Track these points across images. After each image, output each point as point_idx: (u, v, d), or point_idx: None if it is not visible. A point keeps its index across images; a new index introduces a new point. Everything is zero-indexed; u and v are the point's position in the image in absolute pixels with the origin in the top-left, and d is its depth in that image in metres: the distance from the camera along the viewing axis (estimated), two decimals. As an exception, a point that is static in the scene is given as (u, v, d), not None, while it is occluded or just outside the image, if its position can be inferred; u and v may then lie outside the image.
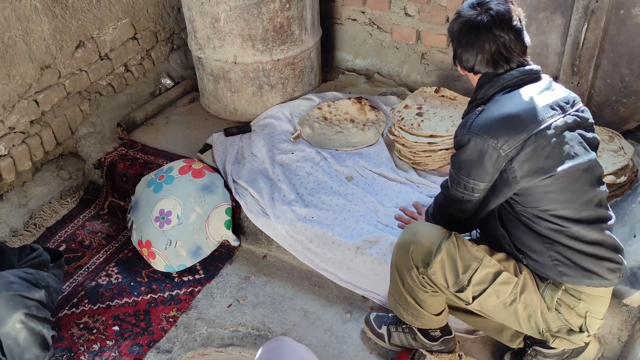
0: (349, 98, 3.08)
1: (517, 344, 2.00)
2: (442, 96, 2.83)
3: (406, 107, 2.77)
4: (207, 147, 2.97)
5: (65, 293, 2.43)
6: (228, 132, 2.99)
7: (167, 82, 3.46)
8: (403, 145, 2.69)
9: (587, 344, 1.93)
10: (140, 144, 3.04)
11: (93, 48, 3.07)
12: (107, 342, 2.25)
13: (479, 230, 2.01)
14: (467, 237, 1.94)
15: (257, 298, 2.42)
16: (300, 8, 2.94)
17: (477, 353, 2.15)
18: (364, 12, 3.36)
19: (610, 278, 1.74)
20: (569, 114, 1.70)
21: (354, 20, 3.42)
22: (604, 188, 1.75)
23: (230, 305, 2.39)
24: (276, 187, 2.62)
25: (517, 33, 1.71)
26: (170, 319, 2.33)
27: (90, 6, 2.99)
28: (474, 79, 1.82)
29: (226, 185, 2.66)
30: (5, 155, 2.76)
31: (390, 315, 2.16)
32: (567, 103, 1.72)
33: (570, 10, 2.64)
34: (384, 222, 2.43)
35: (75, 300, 2.41)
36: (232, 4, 2.80)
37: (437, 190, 2.48)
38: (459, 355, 2.09)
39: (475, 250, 1.79)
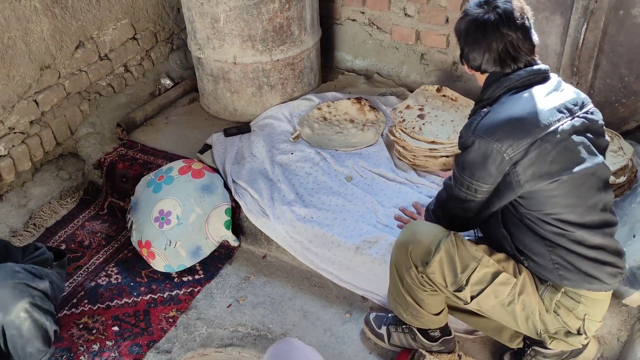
0: (349, 98, 3.08)
1: (516, 344, 2.00)
2: (444, 96, 2.83)
3: (408, 107, 2.77)
4: (207, 147, 2.97)
5: (65, 293, 2.43)
6: (228, 133, 2.99)
7: (167, 82, 3.46)
8: (403, 147, 2.69)
9: (584, 346, 1.93)
10: (140, 144, 3.04)
11: (93, 48, 3.07)
12: (107, 342, 2.25)
13: (479, 230, 2.00)
14: (467, 237, 1.94)
15: (256, 298, 2.42)
16: (299, 8, 2.95)
17: (477, 353, 2.15)
18: (363, 13, 3.36)
19: (611, 283, 1.73)
20: (577, 117, 1.67)
21: (353, 20, 3.42)
22: (610, 192, 1.73)
23: (229, 305, 2.39)
24: (276, 188, 2.62)
25: (525, 31, 1.69)
26: (170, 319, 2.33)
27: (89, 6, 2.99)
28: (481, 78, 1.80)
29: (226, 186, 2.66)
30: (5, 155, 2.76)
31: (390, 315, 2.16)
32: (575, 105, 1.69)
33: (569, 10, 2.65)
34: (383, 222, 2.43)
35: (74, 301, 2.42)
36: (231, 4, 2.80)
37: (436, 190, 2.49)
38: (458, 355, 2.09)
39: (474, 250, 1.79)
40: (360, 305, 2.36)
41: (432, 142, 2.59)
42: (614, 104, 2.76)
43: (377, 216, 2.45)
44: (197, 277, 2.53)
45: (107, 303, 2.41)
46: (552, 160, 1.62)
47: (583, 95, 1.74)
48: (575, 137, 1.65)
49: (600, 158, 1.68)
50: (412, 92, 3.14)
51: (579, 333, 1.80)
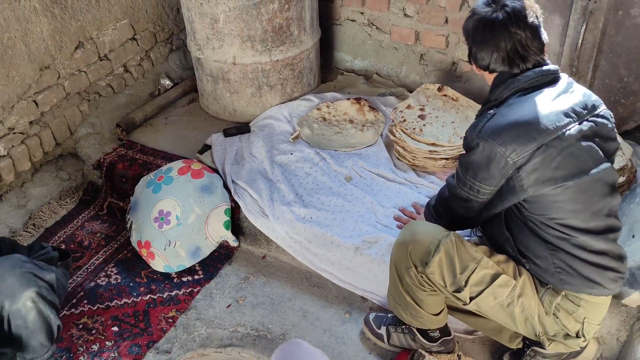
0: (348, 99, 3.09)
1: (516, 344, 2.00)
2: (445, 95, 2.82)
3: (409, 107, 2.76)
4: (206, 147, 2.97)
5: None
6: (227, 133, 2.99)
7: (167, 82, 3.46)
8: (403, 148, 2.69)
9: (582, 348, 1.92)
10: (140, 144, 3.04)
11: (92, 49, 3.07)
12: (107, 342, 2.25)
13: (478, 229, 2.00)
14: (466, 237, 1.94)
15: (256, 298, 2.42)
16: (299, 9, 2.95)
17: (476, 353, 2.15)
18: (362, 13, 3.36)
19: (612, 288, 1.73)
20: (586, 121, 1.65)
21: (352, 21, 3.42)
22: (616, 196, 1.71)
23: (229, 305, 2.39)
24: (275, 188, 2.62)
25: (534, 30, 1.66)
26: (170, 320, 2.33)
27: (89, 7, 2.99)
28: (489, 78, 1.77)
29: (225, 186, 2.66)
30: (4, 155, 2.76)
31: (389, 315, 2.16)
32: (584, 108, 1.66)
33: (568, 11, 2.65)
34: (383, 222, 2.43)
35: (74, 301, 2.41)
36: (231, 4, 2.80)
37: (436, 191, 2.48)
38: (458, 355, 2.09)
39: (473, 251, 1.79)
40: (360, 306, 2.36)
41: (433, 144, 2.59)
42: (613, 104, 2.77)
43: (377, 216, 2.45)
44: (196, 277, 2.53)
45: (107, 303, 2.41)
46: (556, 166, 1.60)
47: (594, 97, 1.71)
48: (582, 143, 1.62)
49: (607, 164, 1.66)
50: (411, 92, 3.14)
51: (577, 336, 1.80)
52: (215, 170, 2.75)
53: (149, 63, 3.49)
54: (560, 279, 1.72)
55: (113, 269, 2.58)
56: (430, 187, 2.57)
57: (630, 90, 2.70)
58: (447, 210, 1.91)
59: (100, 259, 2.63)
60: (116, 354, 2.20)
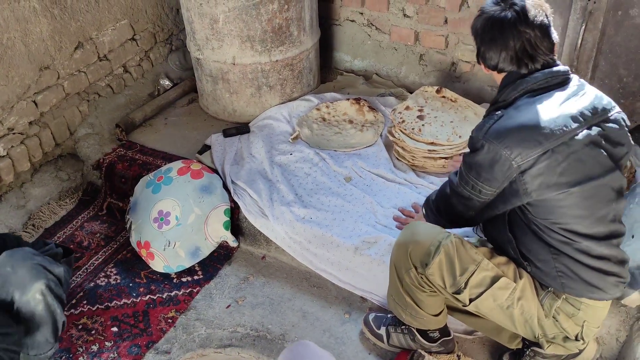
0: (348, 99, 3.09)
1: (515, 345, 2.00)
2: (443, 97, 2.83)
3: (407, 108, 2.77)
4: (206, 148, 2.97)
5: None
6: (227, 133, 2.99)
7: (166, 83, 3.46)
8: (402, 148, 2.69)
9: (581, 351, 1.92)
10: (139, 145, 3.04)
11: (92, 49, 3.07)
12: (106, 343, 2.25)
13: (480, 229, 2.00)
14: (468, 238, 1.94)
15: (255, 299, 2.42)
16: (298, 9, 2.95)
17: (476, 353, 2.15)
18: (362, 13, 3.36)
19: (613, 292, 1.72)
20: (595, 125, 1.61)
21: (352, 21, 3.42)
22: (621, 201, 1.69)
23: (229, 306, 2.39)
24: (275, 188, 2.62)
25: (543, 29, 1.63)
26: (169, 320, 2.33)
27: (89, 7, 2.99)
28: (498, 78, 1.75)
29: (225, 186, 2.66)
30: (4, 156, 2.76)
31: (389, 316, 2.16)
32: (594, 113, 1.62)
33: (568, 11, 2.65)
34: (382, 222, 2.43)
35: (73, 301, 2.41)
36: (230, 5, 2.80)
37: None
38: (457, 355, 2.09)
39: (473, 253, 1.78)
40: (360, 306, 2.36)
41: (432, 144, 2.59)
42: (612, 104, 2.76)
43: (376, 217, 2.46)
44: (196, 277, 2.53)
45: (106, 304, 2.41)
46: (561, 171, 1.59)
47: (605, 101, 1.67)
48: (589, 149, 1.60)
49: (613, 169, 1.64)
50: (411, 92, 3.15)
51: (576, 339, 1.80)
52: (215, 171, 2.75)
53: (149, 63, 3.49)
54: (561, 282, 1.72)
55: (112, 270, 2.58)
56: (429, 188, 2.57)
57: (629, 91, 2.70)
58: (447, 206, 1.90)
59: (100, 260, 2.63)
60: (116, 355, 2.20)
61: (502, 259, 1.80)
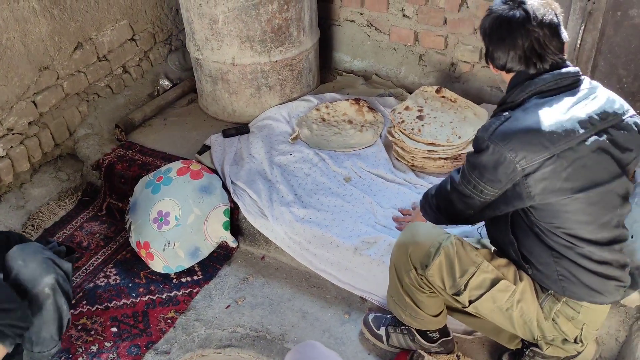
0: (347, 99, 3.09)
1: (515, 345, 2.00)
2: (443, 97, 2.83)
3: (407, 108, 2.77)
4: (206, 148, 2.97)
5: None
6: (226, 134, 2.99)
7: (165, 83, 3.46)
8: (402, 148, 2.69)
9: (579, 353, 1.92)
10: (139, 145, 3.04)
11: (91, 49, 3.07)
12: (106, 343, 2.25)
13: (480, 228, 1.99)
14: (467, 239, 1.94)
15: (255, 299, 2.42)
16: (298, 9, 2.95)
17: (475, 354, 2.15)
18: (361, 14, 3.36)
19: (613, 296, 1.72)
20: (603, 131, 1.58)
21: (352, 21, 3.42)
22: (627, 206, 1.67)
23: (228, 306, 2.39)
24: (274, 188, 2.62)
25: (553, 28, 1.60)
26: (169, 320, 2.33)
27: (88, 7, 2.99)
28: (507, 78, 1.72)
29: (224, 187, 2.66)
30: (3, 156, 2.76)
31: (388, 316, 2.16)
32: (603, 118, 1.59)
33: (567, 11, 2.65)
34: (382, 223, 2.43)
35: (73, 302, 2.41)
36: (230, 5, 2.80)
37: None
38: (457, 355, 2.09)
39: (474, 255, 1.78)
40: (359, 306, 2.36)
41: (431, 144, 2.59)
42: (611, 104, 2.76)
43: (376, 217, 2.46)
44: (195, 278, 2.52)
45: (106, 304, 2.41)
46: (566, 177, 1.57)
47: (617, 105, 1.64)
48: (596, 154, 1.57)
49: (620, 176, 1.62)
50: (410, 93, 3.15)
51: (575, 342, 1.80)
52: (214, 171, 2.76)
53: (148, 64, 3.49)
54: (562, 286, 1.71)
55: (112, 270, 2.58)
56: (429, 188, 2.57)
57: (628, 91, 2.71)
58: (446, 203, 1.87)
59: (99, 260, 2.63)
60: (115, 355, 2.20)
61: (502, 261, 1.80)
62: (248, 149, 2.88)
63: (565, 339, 1.80)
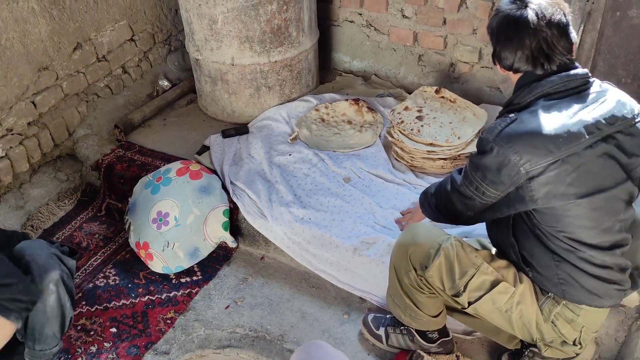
0: (347, 99, 3.09)
1: (514, 345, 2.00)
2: (442, 97, 2.83)
3: (406, 108, 2.77)
4: (205, 148, 2.97)
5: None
6: (225, 134, 2.99)
7: (165, 83, 3.46)
8: (401, 149, 2.69)
9: (577, 354, 1.92)
10: (138, 145, 3.04)
11: (91, 50, 3.07)
12: (105, 343, 2.25)
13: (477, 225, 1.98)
14: (467, 239, 1.94)
15: (254, 299, 2.42)
16: (297, 10, 2.95)
17: (475, 354, 2.15)
18: (361, 14, 3.36)
19: (613, 300, 1.72)
20: (610, 136, 1.56)
21: (351, 22, 3.43)
22: (630, 210, 1.66)
23: (228, 306, 2.39)
24: (274, 189, 2.62)
25: (561, 28, 1.58)
26: (168, 321, 2.33)
27: (87, 8, 2.99)
28: (514, 78, 1.70)
29: (224, 187, 2.66)
30: (2, 157, 2.76)
31: (388, 316, 2.16)
32: (611, 122, 1.57)
33: (566, 12, 2.65)
34: (381, 223, 2.43)
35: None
36: (229, 5, 2.80)
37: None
38: (456, 356, 2.09)
39: (473, 257, 1.78)
40: (359, 306, 2.36)
41: (431, 145, 2.59)
42: (611, 105, 2.77)
43: (375, 217, 2.46)
44: (195, 278, 2.52)
45: (105, 304, 2.41)
46: (570, 182, 1.55)
47: (628, 108, 1.61)
48: (601, 160, 1.56)
49: (624, 181, 1.61)
50: (409, 93, 3.14)
51: (574, 344, 1.80)
52: (214, 171, 2.75)
53: (148, 64, 3.49)
54: (562, 289, 1.71)
55: (111, 270, 2.57)
56: (428, 188, 2.58)
57: (628, 91, 2.70)
58: (446, 203, 1.86)
59: (99, 260, 2.63)
60: (114, 355, 2.20)
61: (502, 263, 1.79)
62: (247, 149, 2.88)
63: (564, 341, 1.80)
